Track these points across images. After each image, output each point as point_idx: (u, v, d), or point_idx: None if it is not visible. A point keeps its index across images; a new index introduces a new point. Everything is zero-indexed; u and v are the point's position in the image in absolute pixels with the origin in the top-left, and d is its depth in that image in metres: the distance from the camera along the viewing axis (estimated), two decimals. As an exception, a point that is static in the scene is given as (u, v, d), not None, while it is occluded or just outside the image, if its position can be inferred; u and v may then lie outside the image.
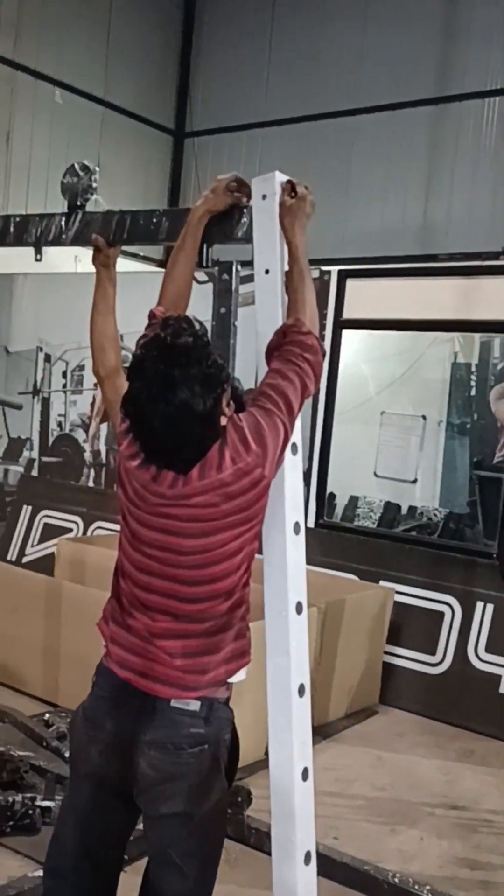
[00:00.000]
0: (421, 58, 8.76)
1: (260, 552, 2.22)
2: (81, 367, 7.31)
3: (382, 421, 7.51)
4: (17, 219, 3.18)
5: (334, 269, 6.06)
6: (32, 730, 4.05)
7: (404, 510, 7.45)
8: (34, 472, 7.66)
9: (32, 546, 7.15)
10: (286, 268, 2.35)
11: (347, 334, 6.10)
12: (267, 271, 2.38)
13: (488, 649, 5.16)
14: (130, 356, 1.98)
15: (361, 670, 5.13)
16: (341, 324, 5.98)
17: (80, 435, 7.45)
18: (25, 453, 7.71)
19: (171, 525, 1.96)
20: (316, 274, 5.64)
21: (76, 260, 7.47)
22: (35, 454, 7.66)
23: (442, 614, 5.34)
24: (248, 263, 2.51)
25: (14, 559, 7.07)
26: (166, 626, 2.02)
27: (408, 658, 5.39)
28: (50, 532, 7.01)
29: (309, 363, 2.13)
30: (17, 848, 3.26)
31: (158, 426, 1.87)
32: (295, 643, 2.29)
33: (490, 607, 5.20)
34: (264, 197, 2.39)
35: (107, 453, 7.30)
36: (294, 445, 2.24)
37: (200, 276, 4.05)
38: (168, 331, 1.90)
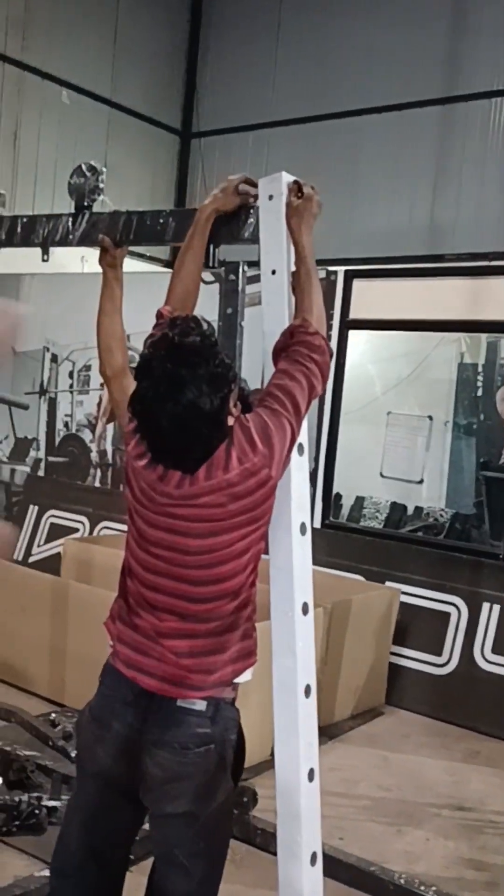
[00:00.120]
0: (428, 58, 8.74)
1: (266, 552, 2.22)
2: (88, 368, 7.32)
3: (389, 421, 7.50)
4: (25, 219, 3.19)
5: (341, 269, 6.05)
6: (38, 729, 4.06)
7: (410, 511, 7.44)
8: (41, 472, 7.68)
9: (39, 546, 7.16)
10: (293, 268, 2.35)
11: (354, 334, 6.10)
12: (274, 272, 2.38)
13: (495, 650, 5.15)
14: (137, 356, 1.99)
15: (367, 671, 5.13)
16: (348, 324, 5.97)
17: (86, 435, 7.46)
18: (32, 453, 7.73)
19: (178, 525, 1.96)
20: (322, 274, 5.64)
21: (83, 260, 7.48)
22: (41, 454, 7.68)
23: (448, 615, 5.33)
24: (255, 264, 2.51)
25: (20, 559, 7.08)
26: (173, 626, 2.02)
27: (414, 659, 5.39)
28: (56, 532, 7.03)
29: (316, 363, 2.13)
30: (23, 847, 3.26)
31: (166, 426, 1.87)
32: (301, 644, 2.29)
33: (496, 608, 5.19)
34: (271, 197, 2.39)
35: (113, 453, 7.31)
36: (301, 446, 2.24)
37: (207, 276, 4.05)
38: (176, 330, 1.90)
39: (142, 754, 2.02)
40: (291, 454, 2.13)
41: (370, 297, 5.97)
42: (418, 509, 7.45)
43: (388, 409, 7.64)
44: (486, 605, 5.23)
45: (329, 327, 5.73)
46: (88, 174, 2.91)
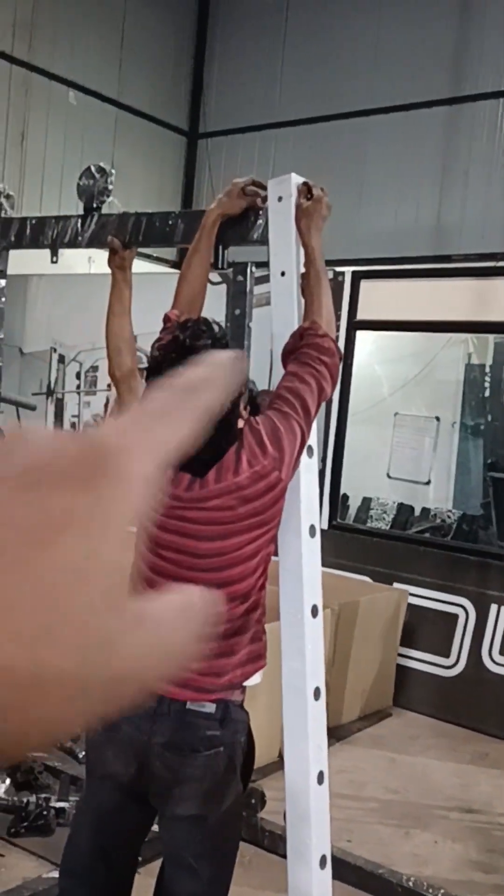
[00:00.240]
0: (435, 58, 8.73)
1: (276, 555, 2.22)
2: (95, 368, 7.32)
3: (396, 422, 7.48)
4: (34, 221, 3.19)
5: (348, 269, 6.05)
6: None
7: (417, 512, 7.43)
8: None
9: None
10: (302, 270, 2.34)
11: (361, 335, 6.09)
12: (283, 273, 2.37)
13: (503, 652, 5.13)
14: (144, 358, 1.98)
15: (375, 672, 5.12)
16: (355, 325, 5.97)
17: (93, 436, 7.46)
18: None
19: (188, 528, 1.96)
20: (330, 275, 5.62)
21: (90, 261, 7.49)
22: (48, 455, 7.68)
23: (456, 616, 5.32)
24: (263, 265, 2.50)
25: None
26: (182, 629, 2.01)
27: (421, 660, 5.38)
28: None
29: (326, 366, 2.13)
30: (31, 849, 3.27)
31: (175, 428, 1.86)
32: (310, 646, 2.28)
33: (504, 610, 5.19)
34: (280, 199, 2.39)
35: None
36: (310, 448, 2.24)
37: (214, 277, 4.04)
38: (187, 333, 1.90)
39: (151, 757, 2.02)
40: (301, 456, 2.13)
41: (377, 298, 5.96)
42: (425, 510, 7.43)
43: (396, 409, 7.62)
44: (494, 607, 5.21)
45: (336, 328, 5.72)
46: (97, 176, 2.91)
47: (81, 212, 2.98)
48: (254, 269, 2.75)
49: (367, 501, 7.42)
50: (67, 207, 3.22)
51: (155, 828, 2.20)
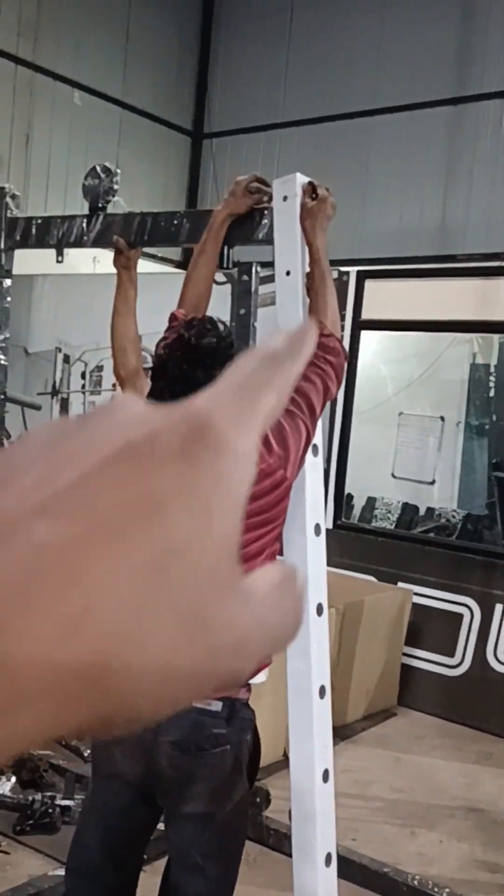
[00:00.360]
0: (439, 58, 8.73)
1: (281, 553, 2.22)
2: (100, 368, 7.33)
3: (400, 422, 7.48)
4: (39, 221, 3.20)
5: (353, 269, 6.05)
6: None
7: (422, 511, 7.42)
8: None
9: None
10: (307, 269, 2.35)
11: (366, 335, 6.09)
12: (288, 273, 2.38)
13: (507, 651, 5.14)
14: (150, 357, 1.99)
15: (380, 672, 5.12)
16: (360, 325, 5.97)
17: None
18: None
19: (193, 526, 1.96)
20: (335, 275, 5.63)
21: (95, 261, 7.50)
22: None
23: (461, 616, 5.32)
24: (268, 264, 2.51)
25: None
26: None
27: (426, 660, 5.38)
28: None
29: (331, 365, 2.13)
30: (37, 846, 3.27)
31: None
32: (315, 645, 2.29)
33: (509, 609, 5.18)
34: (285, 198, 2.39)
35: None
36: (315, 447, 2.24)
37: (219, 277, 4.04)
38: (192, 332, 1.90)
39: (158, 755, 2.02)
40: (306, 455, 2.13)
41: (382, 298, 5.97)
42: (430, 510, 7.43)
43: (400, 409, 7.62)
44: (499, 606, 5.21)
45: (341, 328, 5.72)
46: (103, 176, 2.92)
47: (87, 212, 2.99)
48: (259, 268, 2.75)
49: (371, 501, 7.42)
50: (72, 207, 3.23)
51: (161, 826, 2.21)
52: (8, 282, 3.37)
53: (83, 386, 7.54)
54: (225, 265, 2.59)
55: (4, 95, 8.62)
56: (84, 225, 3.00)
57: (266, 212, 2.49)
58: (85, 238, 3.00)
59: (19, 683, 0.25)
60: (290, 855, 2.35)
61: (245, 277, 2.74)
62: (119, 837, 2.14)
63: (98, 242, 2.96)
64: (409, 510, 7.35)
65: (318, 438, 2.24)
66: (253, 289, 2.74)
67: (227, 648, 0.28)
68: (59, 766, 3.68)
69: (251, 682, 2.08)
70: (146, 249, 4.12)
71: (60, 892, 2.30)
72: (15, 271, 3.43)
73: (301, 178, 2.37)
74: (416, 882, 3.22)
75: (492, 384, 7.69)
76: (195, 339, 1.88)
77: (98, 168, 2.93)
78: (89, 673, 0.25)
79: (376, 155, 9.24)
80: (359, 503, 7.40)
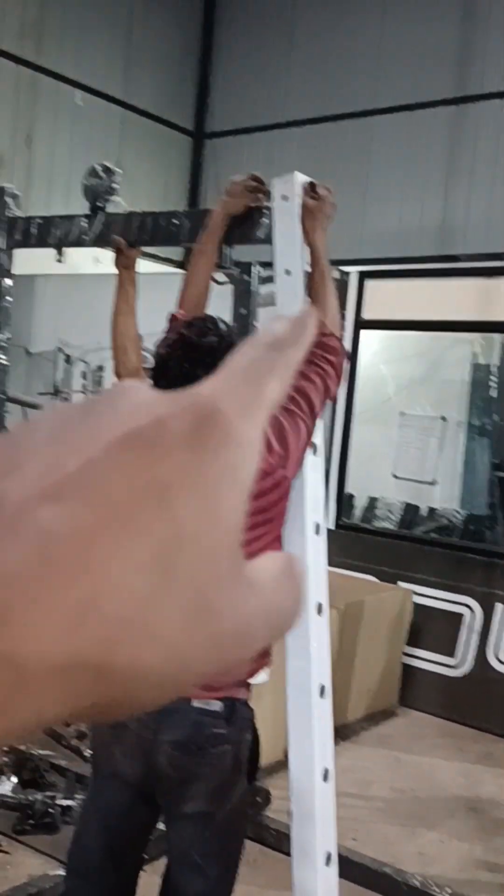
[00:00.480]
0: (440, 58, 8.73)
1: (281, 553, 2.22)
2: (101, 368, 7.33)
3: (401, 422, 7.48)
4: (40, 220, 3.20)
5: (354, 269, 6.05)
6: (52, 728, 4.07)
7: (423, 511, 7.42)
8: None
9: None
10: (307, 269, 2.35)
11: (366, 335, 6.09)
12: (288, 272, 2.38)
13: (508, 651, 5.14)
14: (150, 357, 1.99)
15: (380, 672, 5.12)
16: (361, 324, 5.97)
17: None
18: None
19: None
20: (336, 275, 5.63)
21: (96, 261, 7.50)
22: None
23: (462, 616, 5.32)
24: (268, 264, 2.51)
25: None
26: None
27: (427, 660, 5.37)
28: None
29: (331, 365, 2.13)
30: (37, 846, 3.28)
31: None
32: (315, 644, 2.29)
33: (510, 609, 5.18)
34: (285, 198, 2.39)
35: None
36: (314, 446, 2.24)
37: (219, 277, 4.03)
38: (193, 330, 1.90)
39: (158, 755, 2.02)
40: (306, 455, 2.14)
41: (383, 298, 5.97)
42: (431, 510, 7.42)
43: (401, 409, 7.62)
44: (499, 606, 5.21)
45: (341, 327, 5.72)
46: (103, 175, 2.92)
47: (88, 212, 2.99)
48: (259, 268, 2.75)
49: (373, 501, 7.42)
50: (74, 207, 3.22)
51: (161, 826, 2.21)
52: (9, 282, 3.38)
53: (84, 386, 7.55)
54: (225, 265, 2.59)
55: (6, 96, 8.63)
56: (84, 225, 3.00)
57: (266, 211, 2.50)
58: (85, 238, 3.00)
59: (25, 674, 0.24)
60: (290, 855, 2.35)
61: (245, 277, 2.74)
62: (119, 837, 2.14)
63: (98, 242, 2.97)
64: (410, 510, 7.35)
65: (318, 438, 2.24)
66: (253, 289, 2.75)
67: (231, 636, 0.28)
68: (60, 766, 3.68)
69: (251, 681, 2.08)
70: (148, 249, 4.12)
71: (60, 892, 2.30)
72: (17, 271, 3.43)
73: (301, 178, 2.38)
74: (416, 882, 3.22)
75: (493, 384, 7.69)
76: (196, 338, 1.88)
77: (98, 167, 2.93)
78: (95, 663, 0.25)
79: (377, 155, 9.24)
80: (360, 503, 7.40)
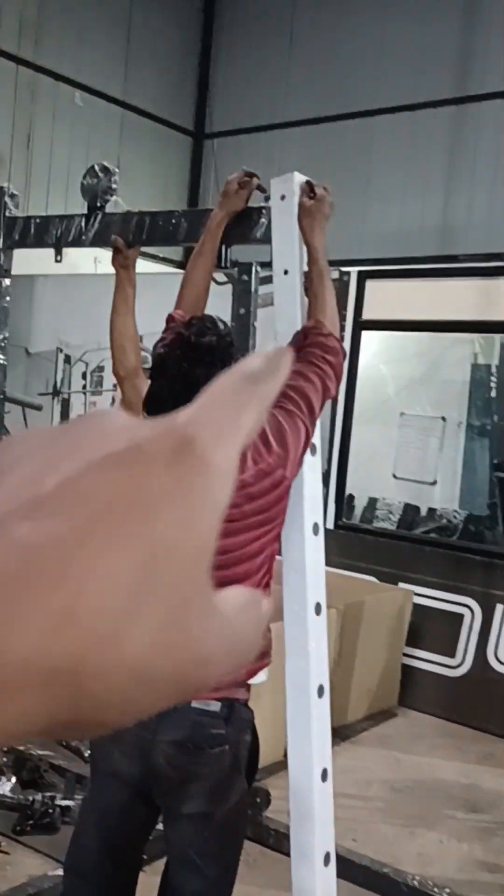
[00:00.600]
0: (440, 58, 8.73)
1: (279, 553, 2.22)
2: (101, 368, 7.33)
3: (401, 422, 7.48)
4: (38, 220, 3.20)
5: (354, 269, 6.05)
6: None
7: (423, 512, 7.42)
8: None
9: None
10: (305, 268, 2.35)
11: (367, 335, 6.09)
12: (286, 272, 2.38)
13: (508, 652, 5.13)
14: (149, 357, 1.99)
15: (380, 672, 5.12)
16: (361, 325, 5.97)
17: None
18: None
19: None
20: (336, 275, 5.63)
21: (96, 261, 7.50)
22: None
23: (462, 616, 5.32)
24: (268, 265, 2.51)
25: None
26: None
27: (427, 660, 5.37)
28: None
29: (330, 365, 2.13)
30: (36, 847, 3.27)
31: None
32: (314, 644, 2.29)
33: (510, 609, 5.18)
34: (283, 197, 2.39)
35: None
36: (313, 446, 2.24)
37: (219, 277, 4.03)
38: (192, 330, 1.90)
39: (157, 755, 2.02)
40: (305, 455, 2.13)
41: (383, 298, 5.96)
42: (431, 510, 7.42)
43: (401, 409, 7.62)
44: (499, 607, 5.21)
45: (342, 328, 5.72)
46: (101, 175, 2.92)
47: (86, 211, 2.99)
48: (259, 268, 2.75)
49: (372, 501, 7.42)
50: (74, 207, 3.22)
51: (160, 826, 2.21)
52: (7, 281, 3.37)
53: (84, 386, 7.55)
54: (224, 265, 2.59)
55: (6, 96, 8.63)
56: (82, 224, 3.00)
57: (264, 211, 2.50)
58: (83, 237, 3.00)
59: (5, 676, 0.25)
60: (289, 855, 2.35)
61: (245, 277, 2.74)
62: (118, 837, 2.14)
63: (96, 242, 2.97)
64: (410, 510, 7.35)
65: (317, 438, 2.24)
66: (253, 289, 2.74)
67: (194, 661, 0.28)
68: (59, 767, 3.68)
69: (251, 682, 2.08)
70: (147, 249, 4.11)
71: (59, 892, 2.30)
72: (16, 271, 3.43)
73: (299, 177, 2.37)
74: (416, 882, 3.21)
75: (493, 384, 7.68)
76: (195, 338, 1.88)
77: (96, 167, 2.93)
78: (64, 676, 0.25)
79: (377, 155, 9.24)
80: (360, 503, 7.40)
